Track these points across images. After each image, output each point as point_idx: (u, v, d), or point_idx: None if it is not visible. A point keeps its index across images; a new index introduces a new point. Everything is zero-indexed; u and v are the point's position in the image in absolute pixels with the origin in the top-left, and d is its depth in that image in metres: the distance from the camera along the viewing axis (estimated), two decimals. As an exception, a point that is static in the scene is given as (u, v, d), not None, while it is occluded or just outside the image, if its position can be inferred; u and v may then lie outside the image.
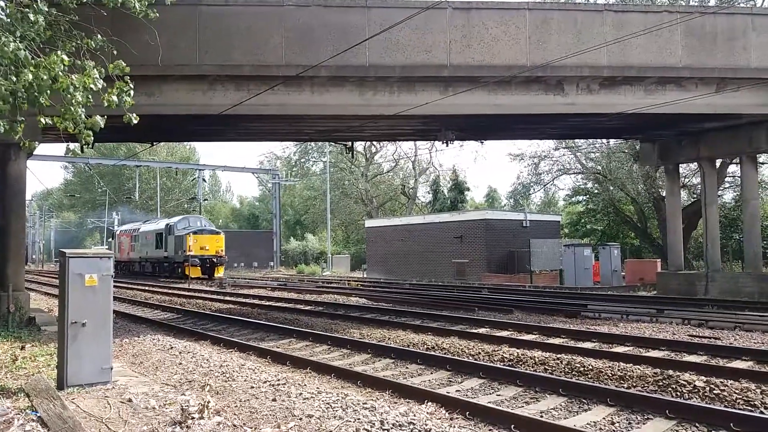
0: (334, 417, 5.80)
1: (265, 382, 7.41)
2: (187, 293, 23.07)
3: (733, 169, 30.83)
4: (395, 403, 6.96)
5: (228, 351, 10.70)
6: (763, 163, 31.24)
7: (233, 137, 21.81)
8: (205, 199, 58.58)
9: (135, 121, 7.98)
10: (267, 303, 18.91)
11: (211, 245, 34.74)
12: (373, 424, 5.53)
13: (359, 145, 50.59)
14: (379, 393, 7.54)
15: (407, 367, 9.22)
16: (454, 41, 14.95)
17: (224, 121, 16.10)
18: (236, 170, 51.18)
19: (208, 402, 5.85)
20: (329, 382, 8.16)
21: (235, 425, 5.55)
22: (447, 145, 19.44)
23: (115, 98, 7.59)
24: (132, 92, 7.81)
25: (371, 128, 19.05)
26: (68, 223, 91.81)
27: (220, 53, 14.22)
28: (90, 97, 7.42)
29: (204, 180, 56.71)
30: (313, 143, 52.79)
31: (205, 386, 7.24)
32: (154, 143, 23.14)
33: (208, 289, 26.25)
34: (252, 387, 7.17)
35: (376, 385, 7.84)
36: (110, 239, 49.14)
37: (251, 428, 5.48)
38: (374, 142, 50.46)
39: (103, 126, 7.75)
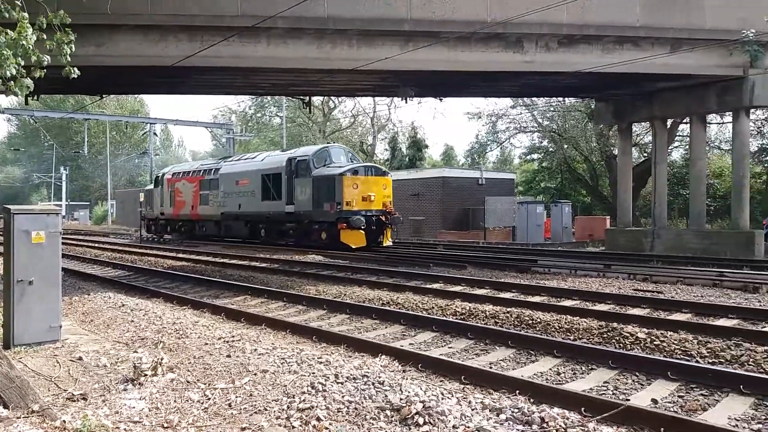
0: (289, 372, 5.86)
1: (219, 338, 7.42)
2: (139, 250, 22.69)
3: (683, 127, 31.67)
4: (350, 357, 7.07)
5: (181, 308, 10.63)
6: (711, 123, 32.14)
7: (186, 90, 21.22)
8: (156, 154, 57.04)
9: (75, 75, 7.62)
10: (221, 260, 18.77)
11: (377, 193, 21.57)
12: (328, 377, 5.62)
13: (317, 100, 49.86)
14: (335, 347, 7.65)
15: (362, 322, 9.35)
16: (414, -6, 14.74)
17: (177, 73, 15.63)
18: (189, 124, 49.72)
19: (162, 359, 5.83)
20: (284, 338, 8.22)
21: (188, 381, 5.57)
22: (406, 102, 19.37)
23: (47, 57, 7.21)
24: (73, 45, 7.45)
25: (329, 83, 18.78)
26: (13, 179, 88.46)
27: (173, 2, 13.72)
28: (29, 49, 7.03)
29: (155, 134, 55.10)
30: (269, 97, 51.77)
31: (158, 343, 7.20)
32: (104, 96, 22.32)
33: (160, 246, 25.86)
34: (206, 344, 7.17)
35: (332, 339, 7.95)
36: (152, 187, 33.85)
37: (205, 384, 5.51)
38: (332, 98, 49.78)
39: (31, 89, 7.39)
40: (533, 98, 34.91)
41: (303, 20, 14.23)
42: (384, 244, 21.98)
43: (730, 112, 20.40)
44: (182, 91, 22.16)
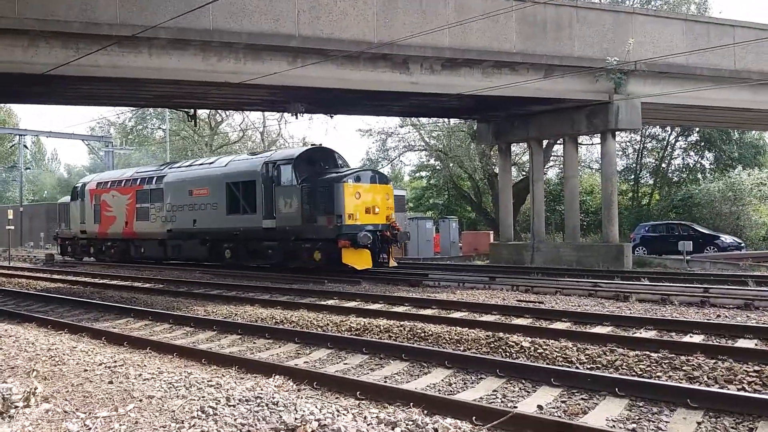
0: (177, 396, 5.61)
1: (100, 364, 6.96)
2: (6, 271, 20.87)
3: (557, 148, 33.85)
4: (242, 378, 6.88)
5: (57, 333, 9.89)
6: (582, 144, 34.64)
7: (62, 100, 19.94)
8: (27, 168, 52.89)
9: None
10: (101, 281, 17.67)
11: (381, 205, 17.99)
12: (219, 400, 5.43)
13: (203, 113, 48.39)
14: (225, 370, 7.40)
15: (254, 342, 9.13)
16: (302, 11, 14.78)
17: (50, 82, 14.67)
18: (64, 136, 46.49)
19: (35, 388, 5.38)
20: (171, 362, 7.86)
21: (66, 411, 5.17)
22: (296, 118, 19.30)
23: None
24: None
25: (216, 96, 18.35)
26: None
27: (44, 6, 12.89)
28: None
29: (26, 146, 51.08)
30: (151, 109, 49.63)
31: (31, 372, 6.63)
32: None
33: (33, 267, 23.93)
34: (85, 370, 6.70)
35: (222, 361, 7.69)
36: (68, 200, 28.93)
37: (85, 413, 5.14)
38: (219, 111, 48.56)
39: None
40: (420, 118, 35.96)
41: (187, 31, 13.85)
42: (390, 265, 18.62)
43: (599, 134, 22.07)
44: (57, 102, 20.82)
